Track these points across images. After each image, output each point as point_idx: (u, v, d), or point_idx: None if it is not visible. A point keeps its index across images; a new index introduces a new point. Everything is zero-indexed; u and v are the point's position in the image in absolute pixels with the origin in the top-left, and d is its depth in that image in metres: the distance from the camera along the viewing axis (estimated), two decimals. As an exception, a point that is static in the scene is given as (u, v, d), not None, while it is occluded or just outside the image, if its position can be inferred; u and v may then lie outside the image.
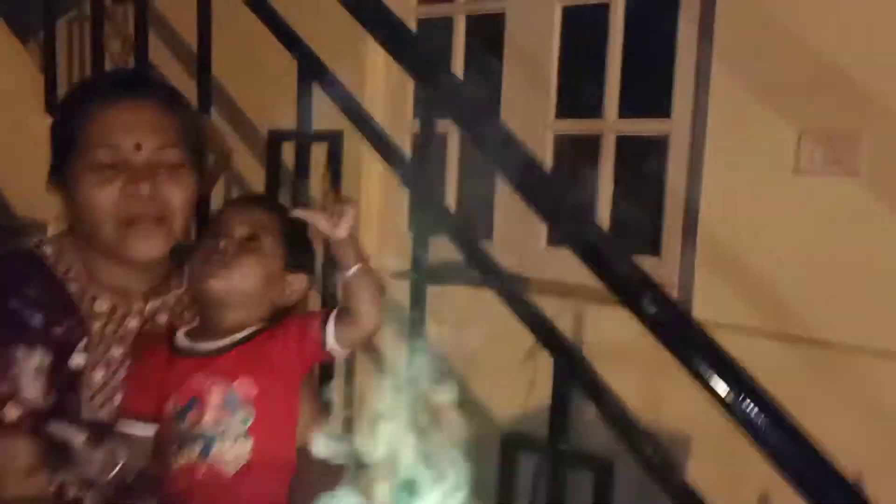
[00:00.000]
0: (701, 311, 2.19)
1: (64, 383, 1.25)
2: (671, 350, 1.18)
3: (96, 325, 1.29)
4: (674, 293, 2.32)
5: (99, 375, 1.28)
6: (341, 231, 1.14)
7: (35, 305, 1.23)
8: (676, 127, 2.34)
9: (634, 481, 1.36)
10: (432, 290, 1.56)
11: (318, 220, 1.16)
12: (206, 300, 1.24)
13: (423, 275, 1.55)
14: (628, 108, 2.47)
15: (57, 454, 1.15)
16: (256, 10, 1.72)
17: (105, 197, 1.23)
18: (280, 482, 1.19)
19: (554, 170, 2.54)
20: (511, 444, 1.37)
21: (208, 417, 1.19)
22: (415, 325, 1.50)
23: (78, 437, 1.11)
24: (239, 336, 1.22)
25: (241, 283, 1.22)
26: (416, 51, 1.47)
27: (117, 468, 1.15)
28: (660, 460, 1.26)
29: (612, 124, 2.50)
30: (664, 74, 2.35)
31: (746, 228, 2.14)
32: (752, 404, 1.12)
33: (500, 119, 1.40)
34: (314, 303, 1.40)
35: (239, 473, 1.18)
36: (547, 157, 2.59)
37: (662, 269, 2.36)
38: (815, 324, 2.03)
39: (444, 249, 1.53)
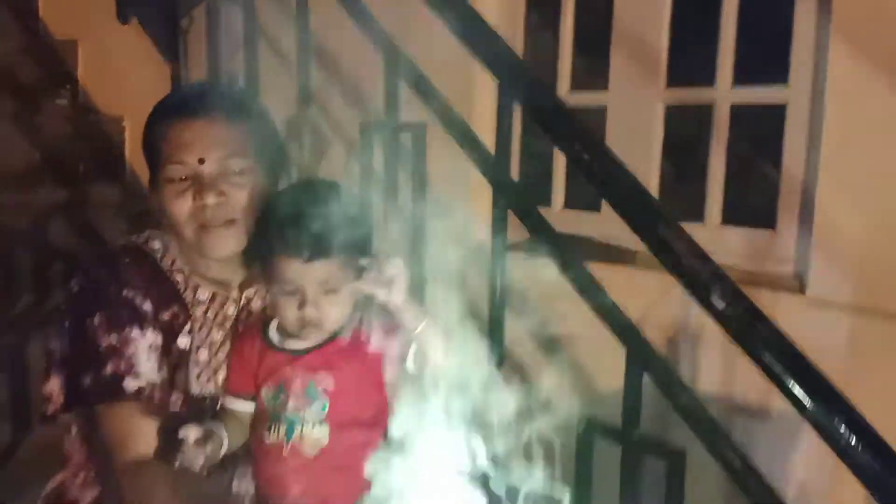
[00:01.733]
0: (816, 287, 2.10)
1: (173, 362, 1.39)
2: (742, 346, 1.16)
3: (198, 311, 1.42)
4: (788, 268, 2.23)
5: (203, 355, 1.42)
6: (397, 297, 1.24)
7: (145, 293, 1.37)
8: (795, 95, 2.22)
9: (714, 472, 1.35)
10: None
11: (374, 291, 1.26)
12: None
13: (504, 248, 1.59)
14: (741, 77, 2.35)
15: (169, 444, 1.29)
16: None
17: (179, 207, 1.35)
18: (357, 466, 1.29)
19: (665, 143, 2.48)
20: (587, 430, 1.39)
21: (291, 404, 1.33)
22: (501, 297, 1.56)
23: (192, 435, 1.23)
24: (323, 339, 1.35)
25: (331, 328, 1.34)
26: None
27: (218, 457, 1.29)
28: (732, 454, 1.25)
29: (726, 93, 2.39)
30: (780, 41, 2.22)
31: (865, 203, 2.02)
32: (824, 405, 1.09)
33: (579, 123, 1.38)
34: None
35: (318, 455, 1.31)
36: (657, 129, 2.52)
37: (776, 243, 2.27)
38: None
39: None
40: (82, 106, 2.82)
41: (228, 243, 1.37)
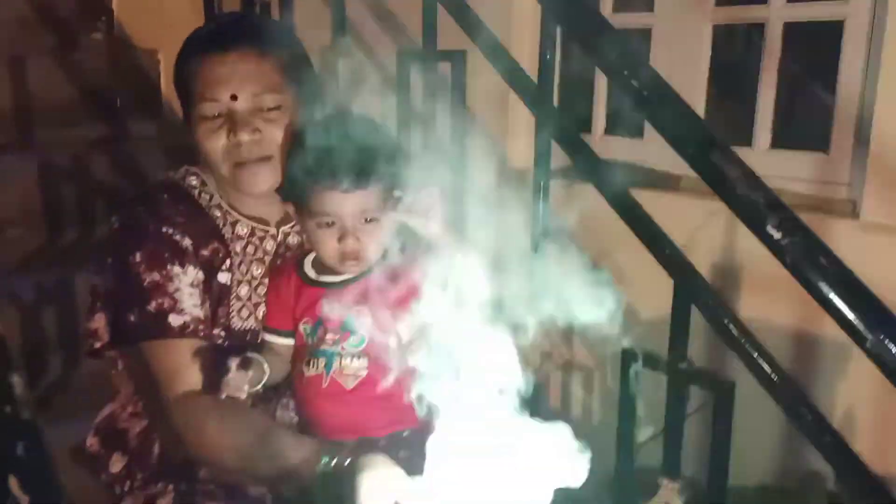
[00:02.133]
0: (871, 212, 2.04)
1: (214, 298, 1.40)
2: (797, 276, 1.11)
3: (238, 247, 1.42)
4: (842, 192, 2.16)
5: (243, 291, 1.42)
6: (433, 226, 1.25)
7: (185, 230, 1.36)
8: (854, 10, 2.11)
9: (760, 408, 1.33)
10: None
11: (410, 220, 1.26)
12: None
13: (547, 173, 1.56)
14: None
15: (215, 374, 1.29)
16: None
17: (214, 144, 1.34)
18: (396, 397, 1.29)
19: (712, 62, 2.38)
20: (630, 360, 1.38)
21: (329, 337, 1.33)
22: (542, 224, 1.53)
23: (234, 363, 1.24)
24: (359, 272, 1.35)
25: (371, 260, 1.33)
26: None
27: (261, 384, 1.29)
28: (784, 383, 1.22)
29: (779, 9, 2.28)
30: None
31: (925, 125, 1.93)
32: (881, 334, 1.05)
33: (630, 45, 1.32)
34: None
35: (357, 387, 1.32)
36: (704, 50, 2.42)
37: (830, 166, 2.19)
38: None
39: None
40: (118, 39, 2.79)
41: (265, 179, 1.36)
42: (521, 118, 2.15)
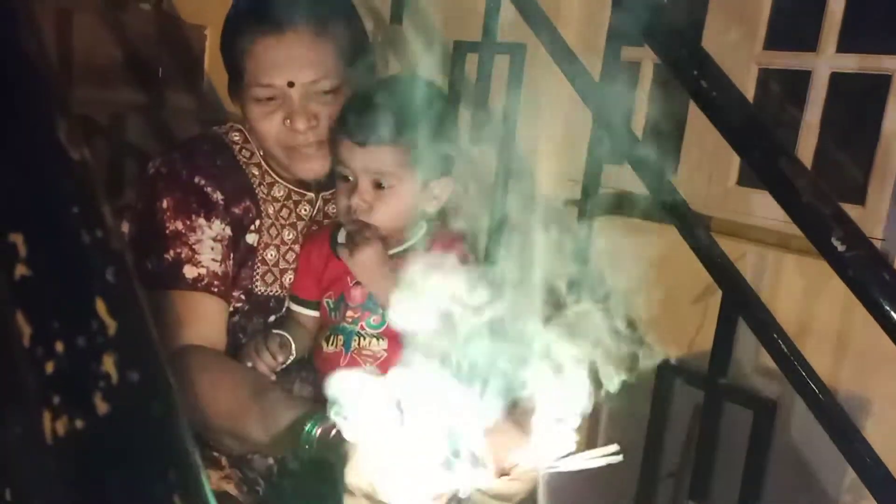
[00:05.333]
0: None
1: (239, 258, 1.35)
2: (859, 293, 1.08)
3: (271, 209, 1.38)
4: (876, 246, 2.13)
5: (270, 254, 1.38)
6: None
7: (218, 183, 1.33)
8: (901, 66, 2.11)
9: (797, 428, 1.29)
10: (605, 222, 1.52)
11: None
12: None
13: (594, 200, 1.52)
14: (845, 44, 2.24)
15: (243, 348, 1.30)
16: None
17: (268, 128, 1.30)
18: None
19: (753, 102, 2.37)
20: (667, 375, 1.34)
21: (350, 315, 1.29)
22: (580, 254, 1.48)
23: (270, 341, 1.24)
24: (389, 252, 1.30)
25: (380, 227, 1.28)
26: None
27: (287, 363, 1.28)
28: (829, 404, 1.18)
29: (828, 58, 2.28)
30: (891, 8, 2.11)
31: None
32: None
33: (699, 43, 1.30)
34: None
35: (376, 368, 1.27)
36: (749, 92, 2.41)
37: (866, 219, 2.17)
38: None
39: (619, 180, 1.47)
40: (166, 12, 2.80)
41: (321, 165, 1.33)
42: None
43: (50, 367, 0.39)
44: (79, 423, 0.36)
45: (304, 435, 1.02)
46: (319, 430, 1.02)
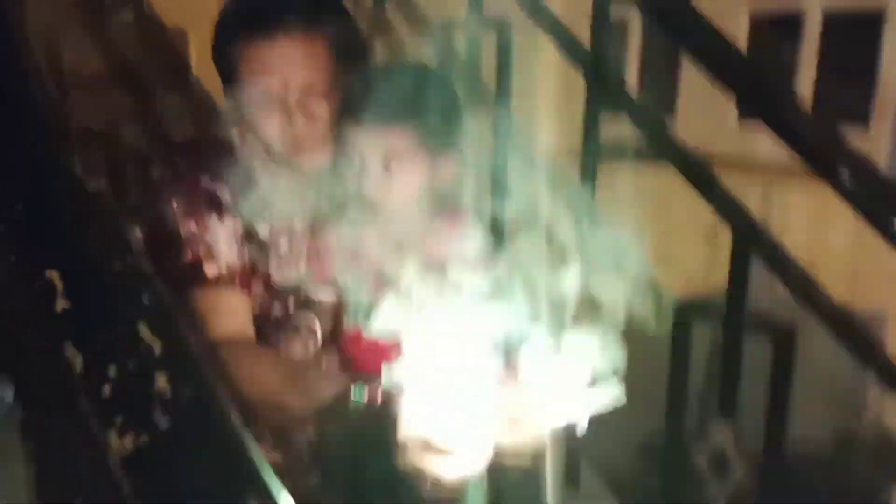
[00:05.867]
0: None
1: (253, 250, 1.38)
2: (872, 223, 1.09)
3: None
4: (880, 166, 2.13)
5: (283, 244, 1.40)
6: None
7: (223, 181, 1.34)
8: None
9: (816, 358, 1.31)
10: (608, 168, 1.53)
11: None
12: None
13: (596, 149, 1.52)
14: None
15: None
16: None
17: (265, 128, 1.29)
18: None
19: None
20: (685, 313, 1.35)
21: (368, 292, 1.30)
22: (586, 201, 1.49)
23: (301, 331, 1.27)
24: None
25: (396, 205, 1.27)
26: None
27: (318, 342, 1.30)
28: (850, 328, 1.19)
29: (817, 1, 2.26)
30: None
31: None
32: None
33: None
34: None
35: (394, 344, 1.29)
36: (741, 40, 2.40)
37: (869, 142, 2.18)
38: None
39: (618, 129, 1.48)
40: (148, 18, 2.79)
41: (320, 157, 1.33)
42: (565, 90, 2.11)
43: (107, 390, 0.41)
44: (144, 439, 0.39)
45: (354, 400, 1.08)
46: (367, 394, 1.08)
